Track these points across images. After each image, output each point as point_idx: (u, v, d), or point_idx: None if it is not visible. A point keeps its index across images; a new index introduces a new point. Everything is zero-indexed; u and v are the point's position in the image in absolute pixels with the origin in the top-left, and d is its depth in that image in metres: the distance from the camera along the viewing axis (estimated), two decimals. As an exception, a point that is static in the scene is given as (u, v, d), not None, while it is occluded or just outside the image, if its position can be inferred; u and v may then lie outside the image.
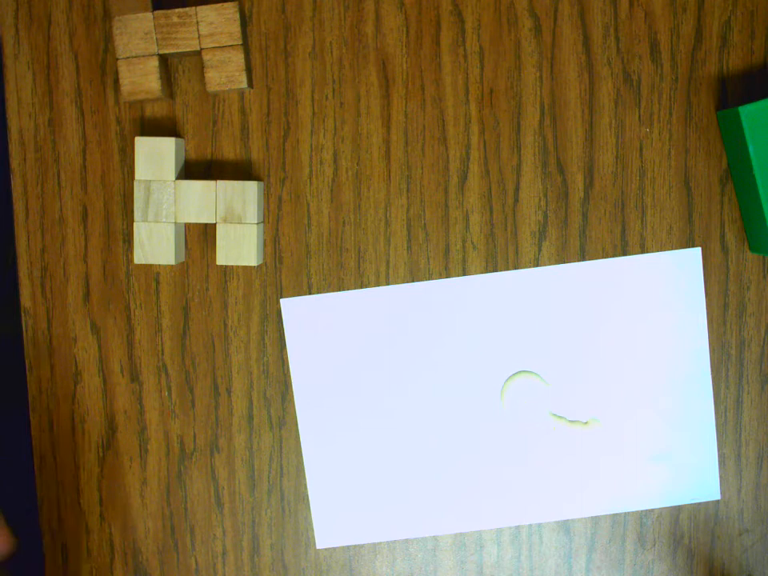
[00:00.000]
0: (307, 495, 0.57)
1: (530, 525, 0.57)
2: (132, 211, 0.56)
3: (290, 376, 0.56)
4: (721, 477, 0.56)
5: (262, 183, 0.55)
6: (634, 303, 0.56)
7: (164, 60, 0.54)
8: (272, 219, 0.56)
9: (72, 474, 0.57)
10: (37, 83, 0.55)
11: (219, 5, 0.52)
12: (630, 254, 0.56)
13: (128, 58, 0.52)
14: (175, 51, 0.52)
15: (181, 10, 0.52)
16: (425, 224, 0.56)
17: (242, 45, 0.52)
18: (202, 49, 0.52)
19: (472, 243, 0.56)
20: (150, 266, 0.56)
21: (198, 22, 0.52)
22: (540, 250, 0.56)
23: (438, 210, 0.56)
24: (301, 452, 0.57)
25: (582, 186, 0.55)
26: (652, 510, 0.57)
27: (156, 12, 0.52)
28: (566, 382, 0.56)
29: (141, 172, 0.53)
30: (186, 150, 0.56)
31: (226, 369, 0.56)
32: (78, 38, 0.55)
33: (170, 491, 0.57)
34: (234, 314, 0.56)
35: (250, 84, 0.54)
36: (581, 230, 0.56)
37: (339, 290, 0.56)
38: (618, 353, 0.56)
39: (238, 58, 0.52)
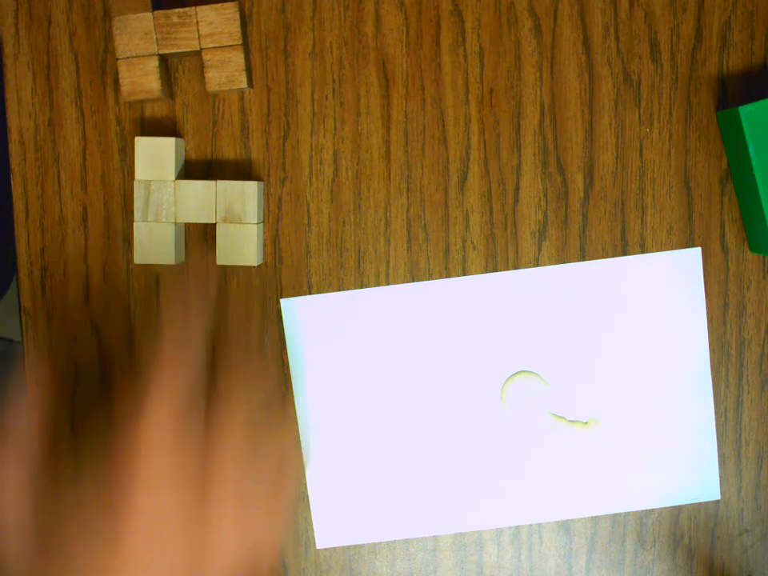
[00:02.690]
0: (307, 495, 0.57)
1: (530, 525, 0.57)
2: (132, 211, 0.56)
3: (289, 376, 0.56)
4: (721, 477, 0.56)
5: (261, 183, 0.55)
6: (634, 303, 0.56)
7: (164, 60, 0.54)
8: (272, 219, 0.56)
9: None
10: (37, 83, 0.55)
11: (219, 5, 0.52)
12: (629, 254, 0.56)
13: (128, 58, 0.52)
14: (175, 51, 0.52)
15: (181, 9, 0.52)
16: (425, 224, 0.56)
17: (242, 45, 0.52)
18: (201, 49, 0.52)
19: (472, 243, 0.56)
20: (150, 265, 0.56)
21: (197, 22, 0.52)
22: (540, 250, 0.56)
23: (438, 210, 0.56)
24: (301, 452, 0.57)
25: (581, 186, 0.55)
26: (652, 510, 0.57)
27: (156, 12, 0.52)
28: (566, 382, 0.56)
29: (141, 172, 0.53)
30: (185, 150, 0.56)
31: (225, 369, 0.56)
32: (77, 38, 0.55)
33: (169, 491, 0.57)
34: (234, 314, 0.56)
35: (250, 84, 0.54)
36: (581, 230, 0.56)
37: (339, 290, 0.56)
38: (618, 353, 0.56)
39: (238, 58, 0.52)
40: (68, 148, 0.56)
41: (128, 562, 0.42)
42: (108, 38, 0.55)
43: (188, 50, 0.52)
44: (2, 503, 0.45)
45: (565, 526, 0.57)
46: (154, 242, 0.54)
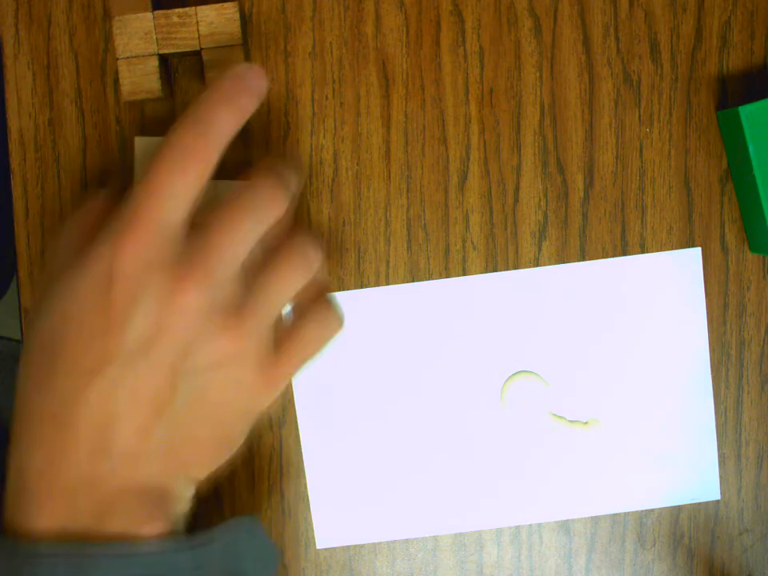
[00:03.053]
0: (307, 495, 0.57)
1: (530, 525, 0.57)
2: (132, 211, 0.56)
3: (290, 376, 0.56)
4: (721, 477, 0.56)
5: (261, 183, 0.55)
6: (634, 303, 0.56)
7: (164, 60, 0.54)
8: (272, 219, 0.56)
9: (72, 474, 0.57)
10: (37, 83, 0.55)
11: (219, 5, 0.52)
12: (629, 254, 0.56)
13: (128, 58, 0.52)
14: (175, 51, 0.52)
15: (181, 10, 0.52)
16: (425, 224, 0.56)
17: (242, 45, 0.52)
18: (202, 49, 0.52)
19: (472, 243, 0.56)
20: (150, 266, 0.56)
21: (197, 22, 0.52)
22: (540, 249, 0.56)
23: (438, 210, 0.56)
24: (301, 452, 0.57)
25: (582, 186, 0.55)
26: (652, 510, 0.57)
27: (156, 12, 0.52)
28: (566, 382, 0.56)
29: (140, 172, 0.53)
30: (185, 150, 0.56)
31: (225, 369, 0.56)
32: (77, 38, 0.55)
33: (169, 491, 0.57)
34: (233, 314, 0.56)
35: (250, 84, 0.54)
36: (581, 230, 0.56)
37: (339, 290, 0.56)
38: (618, 353, 0.56)
39: (238, 58, 0.52)
40: (68, 148, 0.56)
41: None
42: (108, 38, 0.55)
43: (188, 49, 0.52)
44: None
45: (565, 526, 0.57)
46: (154, 242, 0.53)
